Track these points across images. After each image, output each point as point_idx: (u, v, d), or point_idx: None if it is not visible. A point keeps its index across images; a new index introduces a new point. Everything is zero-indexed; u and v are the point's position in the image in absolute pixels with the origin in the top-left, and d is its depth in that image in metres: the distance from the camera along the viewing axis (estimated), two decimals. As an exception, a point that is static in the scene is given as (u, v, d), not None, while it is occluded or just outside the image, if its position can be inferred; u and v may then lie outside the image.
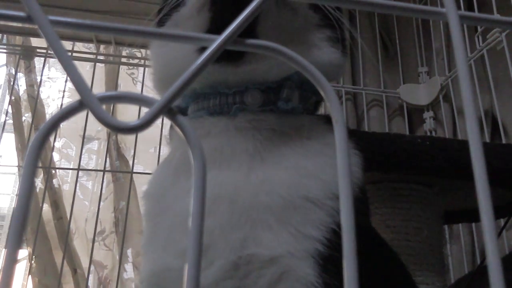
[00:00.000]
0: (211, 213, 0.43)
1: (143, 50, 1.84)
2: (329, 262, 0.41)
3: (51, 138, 1.56)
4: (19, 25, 1.40)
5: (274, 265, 0.41)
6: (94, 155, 1.93)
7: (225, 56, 0.37)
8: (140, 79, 1.88)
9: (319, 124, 0.50)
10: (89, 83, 1.44)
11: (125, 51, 1.82)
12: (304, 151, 0.47)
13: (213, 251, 0.42)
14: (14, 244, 0.16)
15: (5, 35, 1.65)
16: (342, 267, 0.40)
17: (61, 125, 1.59)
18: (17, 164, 1.67)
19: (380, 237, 0.58)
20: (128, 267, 1.72)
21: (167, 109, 0.18)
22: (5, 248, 1.50)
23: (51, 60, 1.76)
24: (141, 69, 1.83)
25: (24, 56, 1.65)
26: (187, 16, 0.51)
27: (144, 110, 0.18)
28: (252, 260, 0.42)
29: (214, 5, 0.48)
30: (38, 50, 1.62)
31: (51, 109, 1.85)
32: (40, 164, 1.54)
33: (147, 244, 0.50)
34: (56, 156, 1.78)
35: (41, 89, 1.71)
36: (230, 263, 0.42)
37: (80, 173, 1.45)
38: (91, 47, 1.71)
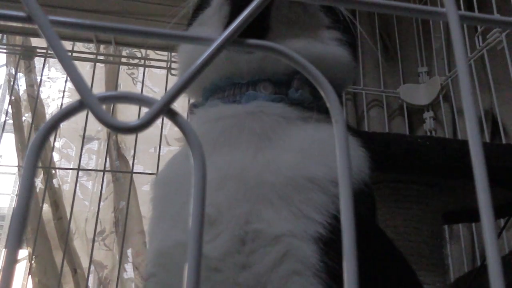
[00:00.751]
0: (219, 189, 0.45)
1: (143, 50, 1.84)
2: (330, 246, 0.41)
3: (51, 138, 1.56)
4: (19, 25, 1.40)
5: (278, 244, 0.42)
6: (94, 155, 1.93)
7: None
8: (140, 79, 1.88)
9: (327, 120, 0.51)
10: (89, 83, 1.44)
11: (125, 51, 1.82)
12: (310, 138, 0.49)
13: (219, 224, 0.44)
14: (14, 244, 0.16)
15: (5, 35, 1.65)
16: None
17: (61, 125, 1.59)
18: (17, 164, 1.67)
19: (385, 235, 0.58)
20: (128, 267, 1.72)
21: (167, 109, 0.18)
22: (5, 248, 1.50)
23: (51, 60, 1.76)
24: (141, 69, 1.82)
25: (24, 56, 1.65)
26: (210, 15, 0.55)
27: (144, 110, 0.18)
28: (258, 237, 0.43)
29: (232, 0, 0.51)
30: (38, 50, 1.62)
31: (51, 109, 1.85)
32: (40, 164, 1.54)
33: (155, 226, 0.51)
34: (56, 156, 1.78)
35: (41, 89, 1.70)
36: (236, 237, 0.43)
37: (80, 173, 1.45)
38: (91, 47, 1.71)
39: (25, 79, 1.74)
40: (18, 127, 1.68)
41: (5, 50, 1.67)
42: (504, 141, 1.37)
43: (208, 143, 0.47)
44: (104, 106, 0.18)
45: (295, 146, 0.48)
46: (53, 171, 1.69)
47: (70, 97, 1.68)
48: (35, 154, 0.17)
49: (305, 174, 0.45)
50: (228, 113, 0.51)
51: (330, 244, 0.41)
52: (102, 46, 1.67)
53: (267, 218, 0.43)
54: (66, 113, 0.18)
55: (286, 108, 0.51)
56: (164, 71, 1.54)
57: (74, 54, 1.58)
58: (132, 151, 1.63)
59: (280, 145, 0.48)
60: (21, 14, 0.18)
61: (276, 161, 0.46)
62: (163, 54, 1.57)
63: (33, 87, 1.74)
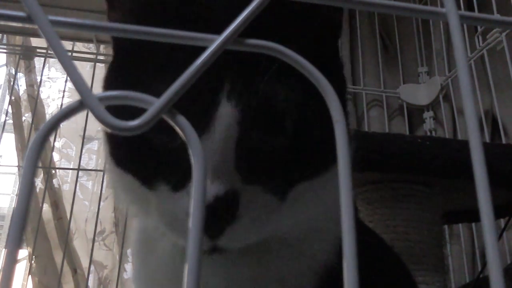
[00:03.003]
0: None
1: (143, 50, 1.84)
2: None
3: (51, 138, 1.56)
4: (19, 25, 1.40)
5: None
6: (94, 155, 1.93)
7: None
8: (140, 79, 1.87)
9: None
10: (89, 83, 1.44)
11: (125, 51, 1.82)
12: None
13: None
14: (14, 244, 0.16)
15: (5, 35, 1.65)
16: None
17: (61, 125, 1.59)
18: (17, 164, 1.67)
19: (371, 231, 0.58)
20: (128, 267, 1.72)
21: (167, 109, 0.18)
22: (5, 248, 1.51)
23: (51, 60, 1.76)
24: (141, 69, 1.82)
25: (24, 56, 1.65)
26: None
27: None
28: None
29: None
30: (38, 50, 1.62)
31: (51, 109, 1.85)
32: (40, 164, 1.54)
33: (136, 279, 0.49)
34: (56, 156, 1.78)
35: (41, 89, 1.71)
36: None
37: (80, 173, 1.45)
38: (91, 47, 1.71)
39: (25, 79, 1.74)
40: (18, 127, 1.68)
41: (5, 50, 1.68)
42: (504, 141, 1.37)
43: None
44: (104, 106, 0.18)
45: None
46: (53, 171, 1.69)
47: (70, 97, 1.68)
48: (35, 154, 0.17)
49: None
50: None
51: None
52: (102, 46, 1.67)
53: None
54: (66, 113, 0.18)
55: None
56: (164, 71, 1.53)
57: (74, 54, 1.58)
58: (132, 151, 1.62)
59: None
60: (21, 14, 0.18)
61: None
62: (163, 54, 1.57)
63: (33, 87, 1.74)
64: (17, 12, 0.19)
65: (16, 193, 1.77)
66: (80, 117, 1.53)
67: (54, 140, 1.64)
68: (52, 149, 1.63)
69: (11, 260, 0.16)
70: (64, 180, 1.82)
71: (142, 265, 0.48)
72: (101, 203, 1.59)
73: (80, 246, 1.71)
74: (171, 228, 0.37)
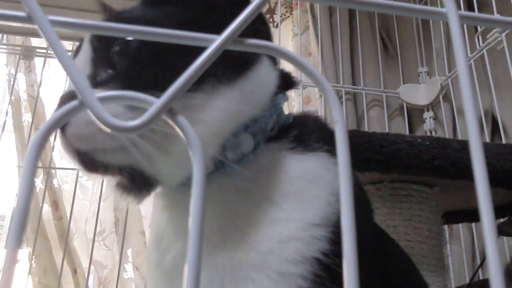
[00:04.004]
0: None
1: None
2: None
3: (51, 138, 1.56)
4: (19, 25, 1.40)
5: None
6: (94, 155, 1.93)
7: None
8: (140, 79, 1.87)
9: (279, 157, 0.47)
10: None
11: (125, 51, 1.82)
12: (269, 198, 0.45)
13: None
14: (14, 244, 0.16)
15: (5, 35, 1.65)
16: None
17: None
18: (17, 164, 1.67)
19: (385, 234, 0.58)
20: (128, 267, 1.73)
21: (167, 109, 0.18)
22: (5, 248, 1.50)
23: (51, 60, 1.76)
24: (141, 69, 1.82)
25: (24, 56, 1.65)
26: None
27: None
28: None
29: None
30: (38, 50, 1.62)
31: (51, 109, 1.85)
32: (40, 164, 1.54)
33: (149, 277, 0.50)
34: (56, 156, 1.78)
35: (41, 89, 1.70)
36: None
37: (80, 173, 1.45)
38: (91, 47, 1.70)
39: (25, 79, 1.74)
40: (18, 127, 1.68)
41: (5, 50, 1.67)
42: (504, 141, 1.37)
43: None
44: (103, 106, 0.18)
45: (256, 214, 0.46)
46: (53, 171, 1.69)
47: (70, 97, 1.67)
48: (35, 154, 0.17)
49: (274, 240, 0.44)
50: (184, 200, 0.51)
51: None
52: (102, 46, 1.67)
53: None
54: (66, 113, 0.18)
55: (233, 179, 0.48)
56: (164, 71, 1.54)
57: (74, 54, 1.58)
58: (132, 151, 1.62)
59: (241, 221, 0.46)
60: (21, 14, 0.18)
61: (244, 236, 0.45)
62: (163, 54, 1.57)
63: (33, 87, 1.74)
64: (17, 12, 0.19)
65: (16, 193, 1.77)
66: (80, 117, 1.53)
67: (54, 140, 1.64)
68: (52, 149, 1.63)
69: (11, 260, 0.16)
70: (64, 180, 1.82)
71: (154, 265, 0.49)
72: (101, 203, 1.59)
73: (80, 246, 1.71)
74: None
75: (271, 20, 2.10)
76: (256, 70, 0.47)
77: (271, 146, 0.48)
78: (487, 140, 1.44)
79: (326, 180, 0.45)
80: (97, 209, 1.56)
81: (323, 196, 0.44)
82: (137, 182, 0.45)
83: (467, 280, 1.32)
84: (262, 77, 0.48)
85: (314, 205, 0.43)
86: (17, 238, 0.16)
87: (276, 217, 0.43)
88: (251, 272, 0.42)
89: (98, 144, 0.42)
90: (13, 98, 1.67)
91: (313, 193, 0.44)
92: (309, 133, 0.49)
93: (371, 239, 0.47)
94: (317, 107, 1.70)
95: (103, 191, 1.57)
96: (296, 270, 0.41)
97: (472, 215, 1.06)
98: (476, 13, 0.22)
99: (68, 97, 0.44)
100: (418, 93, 1.66)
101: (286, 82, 0.54)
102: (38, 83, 1.71)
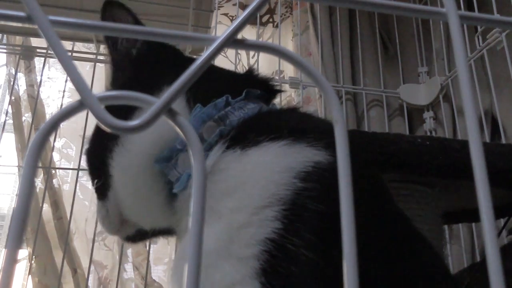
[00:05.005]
0: None
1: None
2: (272, 273, 0.40)
3: (51, 138, 1.56)
4: (19, 25, 1.40)
5: None
6: (94, 155, 1.93)
7: None
8: (140, 79, 1.87)
9: (217, 161, 0.49)
10: (89, 83, 1.44)
11: (125, 51, 1.81)
12: (216, 198, 0.47)
13: None
14: (14, 244, 0.16)
15: (5, 35, 1.64)
16: (289, 270, 0.38)
17: (61, 125, 1.59)
18: (17, 164, 1.67)
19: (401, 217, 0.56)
20: (128, 267, 1.72)
21: (167, 109, 0.18)
22: (5, 248, 1.50)
23: (51, 60, 1.76)
24: (141, 69, 1.82)
25: (24, 56, 1.65)
26: None
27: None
28: None
29: None
30: (38, 50, 1.62)
31: (51, 109, 1.85)
32: (40, 164, 1.54)
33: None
34: (56, 156, 1.78)
35: (41, 89, 1.70)
36: None
37: (80, 173, 1.45)
38: (91, 47, 1.71)
39: (25, 79, 1.74)
40: (18, 127, 1.68)
41: (5, 50, 1.67)
42: (504, 141, 1.37)
43: None
44: (104, 106, 0.18)
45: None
46: (53, 171, 1.69)
47: (70, 97, 1.68)
48: (35, 154, 0.17)
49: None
50: None
51: (272, 272, 0.40)
52: (102, 46, 1.67)
53: (217, 282, 0.42)
54: (66, 113, 0.18)
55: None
56: (164, 71, 1.54)
57: (74, 54, 1.58)
58: (132, 151, 1.62)
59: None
60: (21, 14, 0.18)
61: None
62: (163, 54, 1.57)
63: (33, 87, 1.73)
64: (17, 12, 0.19)
65: (16, 193, 1.77)
66: (80, 117, 1.53)
67: (54, 140, 1.64)
68: (52, 149, 1.63)
69: (11, 260, 0.16)
70: (64, 180, 1.81)
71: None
72: (101, 203, 1.58)
73: (80, 246, 1.71)
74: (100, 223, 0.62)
75: (271, 20, 2.10)
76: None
77: (210, 154, 0.49)
78: (487, 140, 1.44)
79: (269, 163, 0.46)
80: (97, 209, 1.56)
81: (266, 177, 0.44)
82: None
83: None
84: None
85: (258, 189, 0.44)
86: (17, 238, 0.16)
87: (229, 209, 0.45)
88: (216, 260, 0.43)
89: (114, 231, 0.57)
90: (13, 98, 1.67)
91: (255, 178, 0.45)
92: (250, 129, 0.50)
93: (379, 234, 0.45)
94: (317, 107, 1.70)
95: (103, 191, 1.56)
96: (250, 253, 0.41)
97: (472, 215, 1.06)
98: (476, 13, 0.22)
99: None
100: (418, 93, 1.66)
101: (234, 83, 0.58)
102: (38, 83, 1.71)
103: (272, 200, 0.43)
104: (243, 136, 0.49)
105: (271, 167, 0.45)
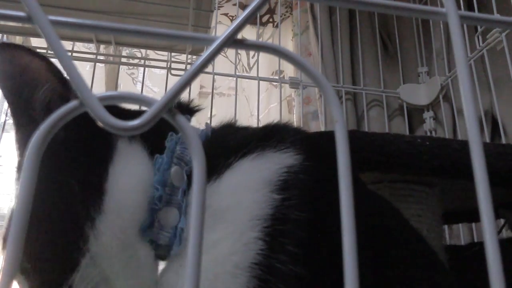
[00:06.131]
0: None
1: (143, 50, 1.84)
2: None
3: (51, 138, 1.56)
4: (19, 25, 1.40)
5: None
6: (94, 155, 1.93)
7: None
8: (140, 79, 1.88)
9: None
10: (89, 83, 1.44)
11: (125, 51, 1.82)
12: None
13: None
14: (14, 245, 0.16)
15: (5, 35, 1.64)
16: None
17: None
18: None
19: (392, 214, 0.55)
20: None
21: (167, 109, 0.18)
22: (4, 249, 1.50)
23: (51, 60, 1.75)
24: (141, 69, 1.82)
25: (24, 56, 1.65)
26: None
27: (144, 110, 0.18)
28: None
29: None
30: (38, 50, 1.62)
31: (51, 109, 1.84)
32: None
33: None
34: (56, 156, 1.77)
35: (41, 89, 1.70)
36: None
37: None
38: (91, 47, 1.71)
39: (25, 79, 1.74)
40: (18, 127, 1.67)
41: (5, 50, 1.67)
42: (504, 141, 1.37)
43: None
44: (103, 106, 0.18)
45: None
46: (53, 171, 1.68)
47: (70, 97, 1.67)
48: (35, 154, 0.17)
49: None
50: None
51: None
52: (102, 46, 1.67)
53: None
54: (66, 113, 0.18)
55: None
56: (164, 71, 1.54)
57: (74, 54, 1.58)
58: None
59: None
60: (21, 14, 0.18)
61: None
62: (163, 54, 1.57)
63: (33, 87, 1.73)
64: (17, 12, 0.19)
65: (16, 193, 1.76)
66: (80, 117, 1.52)
67: (54, 140, 1.64)
68: (52, 149, 1.63)
69: (11, 260, 0.16)
70: (64, 180, 1.81)
71: None
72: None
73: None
74: None
75: (271, 20, 2.11)
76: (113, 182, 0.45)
77: (188, 199, 0.47)
78: (487, 140, 1.44)
79: (246, 181, 0.45)
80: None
81: (247, 198, 0.43)
82: None
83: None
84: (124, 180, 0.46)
85: (240, 213, 0.43)
86: (17, 238, 0.16)
87: (214, 241, 0.43)
88: None
89: None
90: (13, 98, 1.67)
91: (236, 202, 0.44)
92: (215, 156, 0.47)
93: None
94: (317, 107, 1.70)
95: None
96: (239, 284, 0.40)
97: (472, 215, 1.06)
98: (476, 13, 0.22)
99: None
100: (418, 93, 1.66)
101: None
102: (38, 83, 1.71)
103: (254, 222, 0.41)
104: (212, 165, 0.46)
105: (249, 186, 0.44)
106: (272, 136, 0.48)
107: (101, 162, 0.45)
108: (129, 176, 0.45)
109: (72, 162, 0.48)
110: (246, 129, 0.54)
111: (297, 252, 0.39)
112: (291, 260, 0.38)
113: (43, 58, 0.50)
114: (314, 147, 0.49)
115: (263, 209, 0.42)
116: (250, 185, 0.44)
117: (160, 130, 0.48)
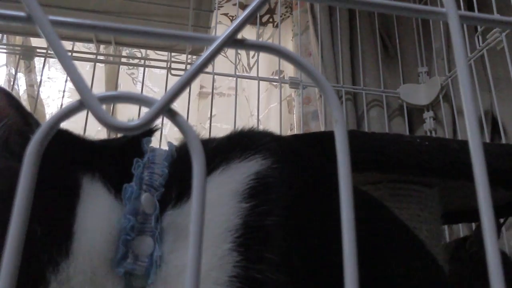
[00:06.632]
0: None
1: (143, 50, 1.84)
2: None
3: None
4: (19, 25, 1.40)
5: None
6: (94, 155, 1.93)
7: None
8: (140, 79, 1.88)
9: (177, 227, 0.45)
10: (89, 83, 1.44)
11: (125, 51, 1.82)
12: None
13: None
14: (14, 245, 0.16)
15: (5, 35, 1.64)
16: None
17: (61, 125, 1.59)
18: (17, 164, 1.67)
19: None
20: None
21: (167, 109, 0.18)
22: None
23: (51, 60, 1.76)
24: (141, 69, 1.82)
25: (24, 56, 1.65)
26: None
27: (144, 110, 0.18)
28: None
29: None
30: (38, 50, 1.62)
31: (51, 109, 1.85)
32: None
33: None
34: (56, 156, 1.77)
35: (41, 89, 1.70)
36: None
37: (80, 173, 1.45)
38: (91, 47, 1.71)
39: (25, 79, 1.74)
40: (18, 127, 1.67)
41: (5, 50, 1.67)
42: (504, 141, 1.37)
43: None
44: (104, 106, 0.18)
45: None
46: (53, 171, 1.68)
47: (70, 97, 1.68)
48: (35, 154, 0.17)
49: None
50: None
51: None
52: (102, 46, 1.67)
53: None
54: (66, 113, 0.18)
55: None
56: (164, 71, 1.54)
57: (74, 54, 1.58)
58: (132, 151, 1.62)
59: None
60: (21, 14, 0.18)
61: None
62: (163, 54, 1.58)
63: (33, 87, 1.73)
64: (17, 12, 0.19)
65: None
66: (80, 117, 1.53)
67: (54, 140, 1.64)
68: (52, 149, 1.63)
69: (11, 260, 0.16)
70: (64, 180, 1.81)
71: None
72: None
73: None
74: None
75: (271, 20, 2.11)
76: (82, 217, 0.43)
77: (163, 225, 0.45)
78: (487, 140, 1.44)
79: (216, 196, 0.43)
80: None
81: (218, 214, 0.42)
82: None
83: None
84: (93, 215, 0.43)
85: (213, 228, 0.41)
86: (17, 238, 0.16)
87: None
88: None
89: None
90: (13, 98, 1.67)
91: (209, 220, 0.42)
92: (184, 179, 0.46)
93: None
94: (317, 107, 1.70)
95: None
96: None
97: (472, 215, 1.06)
98: (476, 13, 0.22)
99: None
100: (418, 93, 1.66)
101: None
102: (38, 83, 1.71)
103: (225, 234, 0.40)
104: (181, 187, 0.44)
105: (218, 201, 0.42)
106: (235, 146, 0.47)
107: (67, 202, 0.43)
108: (97, 213, 0.43)
109: (36, 204, 0.46)
110: (212, 142, 0.51)
111: (275, 258, 0.38)
112: (270, 268, 0.38)
113: (3, 92, 0.47)
114: (283, 149, 0.48)
115: (232, 220, 0.41)
116: (219, 200, 0.43)
117: (123, 159, 0.46)
